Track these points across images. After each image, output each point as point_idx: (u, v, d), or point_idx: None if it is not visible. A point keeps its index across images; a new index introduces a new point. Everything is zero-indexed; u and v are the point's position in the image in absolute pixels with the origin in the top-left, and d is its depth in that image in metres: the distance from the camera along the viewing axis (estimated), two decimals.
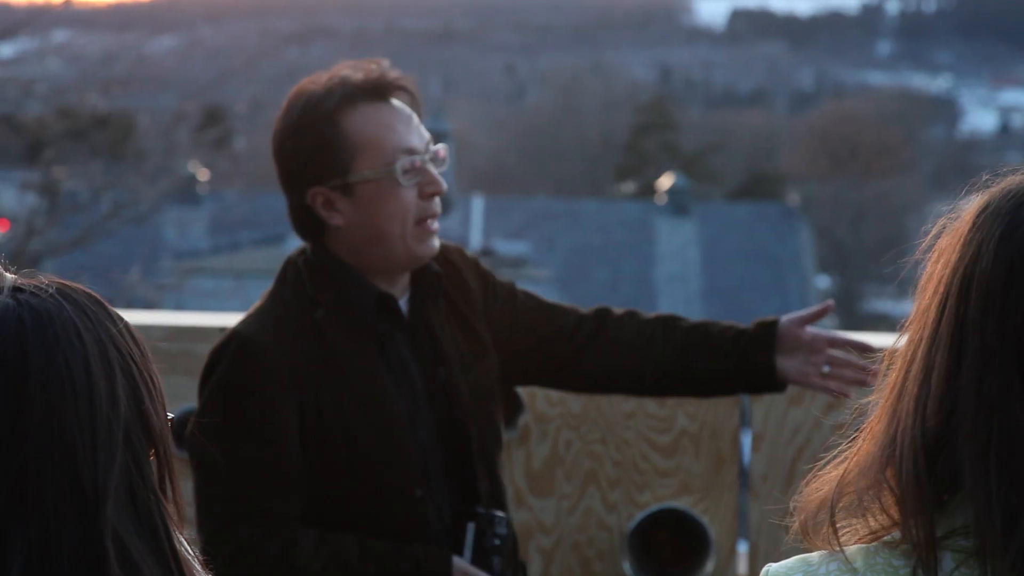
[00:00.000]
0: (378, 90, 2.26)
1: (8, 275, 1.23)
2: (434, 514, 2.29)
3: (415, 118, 2.29)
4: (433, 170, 2.28)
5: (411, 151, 2.26)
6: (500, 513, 2.30)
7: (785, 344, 2.40)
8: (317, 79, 2.27)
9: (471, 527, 2.26)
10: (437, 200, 2.29)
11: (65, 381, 1.17)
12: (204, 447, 2.20)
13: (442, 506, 2.31)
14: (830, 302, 2.48)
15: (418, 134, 2.28)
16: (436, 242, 2.29)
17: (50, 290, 1.20)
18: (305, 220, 2.29)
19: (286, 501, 2.21)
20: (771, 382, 2.42)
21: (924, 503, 1.18)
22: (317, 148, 2.23)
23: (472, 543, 2.26)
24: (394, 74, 2.29)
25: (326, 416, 2.21)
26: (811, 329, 2.41)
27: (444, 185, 2.27)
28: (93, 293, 1.24)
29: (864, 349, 2.40)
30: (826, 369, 2.40)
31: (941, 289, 1.23)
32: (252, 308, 2.30)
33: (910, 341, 1.24)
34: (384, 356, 2.27)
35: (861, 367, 2.38)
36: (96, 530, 1.16)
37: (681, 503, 3.07)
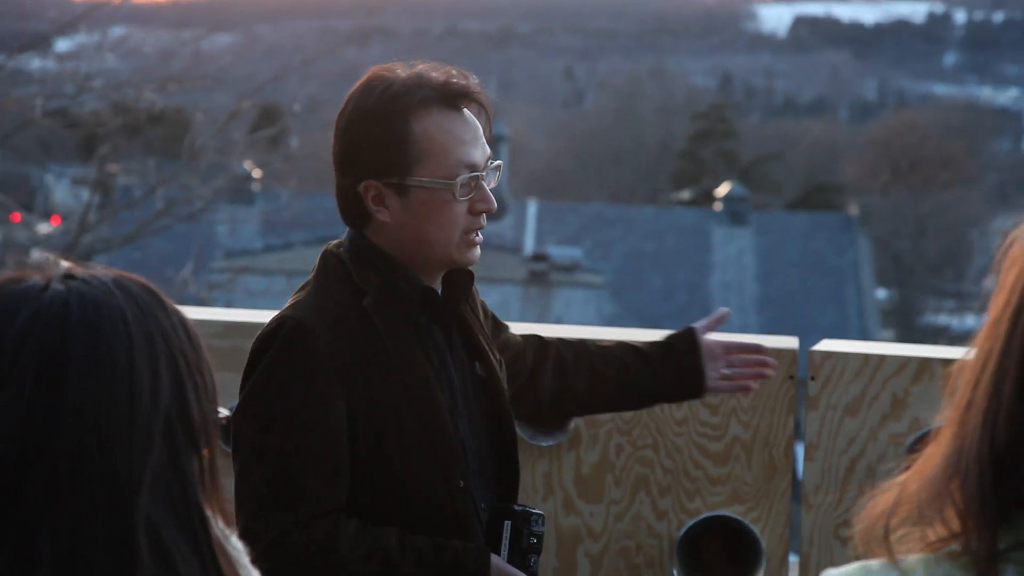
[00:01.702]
0: (455, 98, 2.27)
1: (65, 264, 1.21)
2: (474, 506, 2.29)
3: (481, 132, 2.31)
4: (487, 187, 2.29)
5: (473, 167, 2.27)
6: (536, 511, 2.28)
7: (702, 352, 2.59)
8: (396, 69, 2.28)
9: (508, 525, 2.26)
10: (484, 216, 2.31)
11: (105, 369, 1.16)
12: (250, 432, 2.19)
13: (479, 500, 2.31)
14: (725, 310, 2.66)
15: (482, 149, 2.30)
16: (478, 252, 2.31)
17: (105, 279, 1.20)
18: (352, 206, 2.29)
19: (331, 488, 2.20)
20: (698, 389, 2.58)
21: (988, 516, 1.17)
22: (383, 142, 2.23)
23: (509, 542, 2.25)
24: (473, 85, 2.30)
25: (375, 403, 2.21)
26: (708, 338, 2.58)
27: (494, 204, 2.30)
28: (150, 285, 1.22)
29: (756, 351, 2.60)
30: (726, 371, 2.57)
31: (1014, 300, 1.21)
32: (292, 300, 2.29)
33: (980, 353, 1.23)
34: (424, 349, 2.27)
35: (757, 362, 2.58)
36: (129, 520, 1.15)
37: (732, 511, 3.02)
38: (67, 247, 14.19)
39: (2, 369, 1.15)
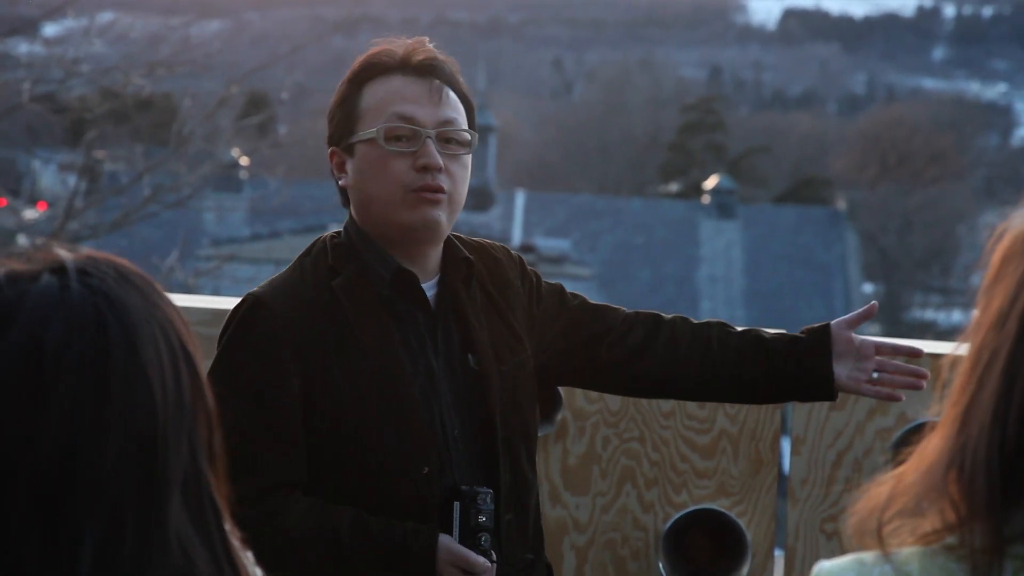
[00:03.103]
0: (413, 68, 2.30)
1: (66, 253, 1.19)
2: (441, 494, 2.26)
3: (442, 97, 2.30)
4: (432, 145, 2.26)
5: (407, 119, 2.27)
6: (484, 489, 2.25)
7: (836, 350, 2.40)
8: (387, 45, 2.35)
9: (456, 506, 2.24)
10: (438, 175, 2.26)
11: (142, 374, 1.16)
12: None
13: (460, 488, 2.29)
14: (874, 303, 2.45)
15: (434, 110, 2.28)
16: (434, 214, 2.26)
17: (111, 272, 1.18)
18: (335, 182, 2.35)
19: (283, 464, 2.20)
20: (827, 390, 2.41)
21: (993, 511, 1.17)
22: (338, 109, 2.32)
23: (459, 522, 2.23)
24: (429, 53, 2.31)
25: (335, 383, 2.21)
26: (858, 336, 2.40)
27: (436, 159, 2.25)
28: (147, 275, 1.21)
29: (913, 354, 2.42)
30: (875, 375, 2.40)
31: (1023, 298, 1.20)
32: (266, 281, 2.31)
33: (982, 349, 1.22)
34: (401, 333, 2.26)
35: (911, 371, 2.39)
36: (163, 522, 1.15)
37: (718, 505, 3.01)
38: (53, 233, 14.14)
39: (44, 384, 1.13)
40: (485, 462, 2.30)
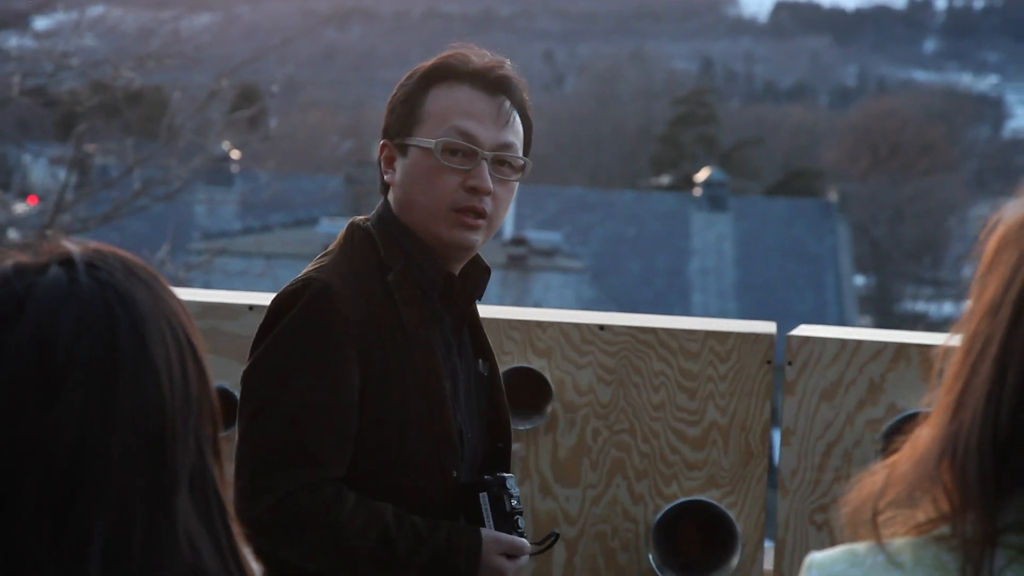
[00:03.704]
0: (486, 82, 2.28)
1: (73, 246, 1.18)
2: (464, 489, 2.28)
3: (505, 120, 2.29)
4: (486, 167, 2.25)
5: (468, 137, 2.25)
6: (508, 475, 2.28)
7: None
8: (464, 51, 2.33)
9: (484, 496, 2.24)
10: (484, 199, 2.25)
11: (150, 370, 1.15)
12: (263, 389, 2.16)
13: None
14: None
15: (495, 132, 2.27)
16: (471, 236, 2.27)
17: (119, 266, 1.18)
18: (379, 171, 2.35)
19: (337, 455, 2.18)
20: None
21: (986, 500, 1.17)
22: (398, 104, 2.30)
23: (491, 510, 2.23)
24: (504, 71, 2.30)
25: (386, 378, 2.20)
26: None
27: (488, 184, 2.24)
28: (152, 269, 1.20)
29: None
30: None
31: (1016, 286, 1.20)
32: (315, 264, 2.26)
33: (975, 337, 1.21)
34: (436, 336, 2.27)
35: None
36: (171, 518, 1.15)
37: (708, 496, 3.00)
38: (44, 227, 14.10)
39: (56, 377, 1.13)
40: (491, 465, 2.33)
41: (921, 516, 1.21)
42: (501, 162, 2.27)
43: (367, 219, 2.32)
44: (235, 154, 16.90)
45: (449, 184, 2.24)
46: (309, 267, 2.26)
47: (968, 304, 1.26)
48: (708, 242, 34.32)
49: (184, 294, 3.23)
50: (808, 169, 40.08)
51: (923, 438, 1.23)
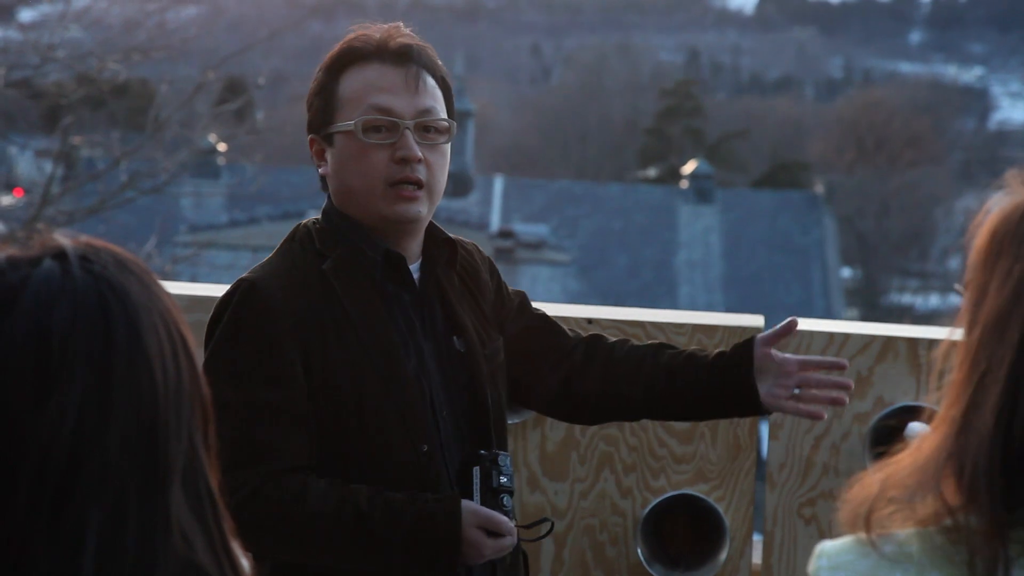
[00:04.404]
0: (390, 54, 2.29)
1: (65, 239, 1.19)
2: (442, 472, 2.27)
3: (422, 85, 2.29)
4: (410, 136, 2.26)
5: (385, 110, 2.26)
6: (503, 452, 2.27)
7: (756, 366, 2.37)
8: (365, 30, 2.35)
9: (476, 470, 2.24)
10: (417, 167, 2.26)
11: (144, 361, 1.16)
12: (214, 391, 2.11)
13: (451, 467, 2.29)
14: (793, 319, 2.41)
15: (411, 99, 2.28)
16: (412, 207, 2.27)
17: (111, 259, 1.18)
18: (318, 171, 2.35)
19: (297, 443, 2.19)
20: (755, 404, 2.38)
21: (996, 515, 1.17)
22: (315, 97, 2.32)
23: (480, 485, 2.23)
24: (406, 39, 2.30)
25: (333, 365, 2.21)
26: (779, 353, 2.38)
27: (415, 151, 2.25)
28: (143, 263, 1.20)
29: (836, 367, 2.39)
30: (796, 391, 2.37)
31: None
32: (257, 264, 2.30)
33: (981, 349, 1.21)
34: (391, 315, 2.27)
35: (835, 384, 2.36)
36: (165, 509, 1.15)
37: (696, 490, 3.01)
38: (30, 220, 14.05)
39: (51, 369, 1.13)
40: (473, 442, 2.31)
41: (922, 511, 1.21)
42: (425, 128, 2.27)
43: (314, 219, 2.35)
44: (222, 147, 16.86)
45: (378, 160, 2.25)
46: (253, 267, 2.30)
47: (964, 303, 1.24)
48: (695, 235, 34.35)
49: (171, 287, 3.23)
50: (795, 161, 40.12)
51: (926, 449, 1.23)
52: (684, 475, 3.02)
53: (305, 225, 2.33)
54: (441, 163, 2.30)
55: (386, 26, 2.34)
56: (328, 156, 2.30)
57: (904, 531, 1.22)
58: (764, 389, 2.35)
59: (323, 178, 2.34)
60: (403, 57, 2.29)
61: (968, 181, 40.31)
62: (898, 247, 37.62)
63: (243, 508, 2.13)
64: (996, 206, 1.24)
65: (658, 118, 40.50)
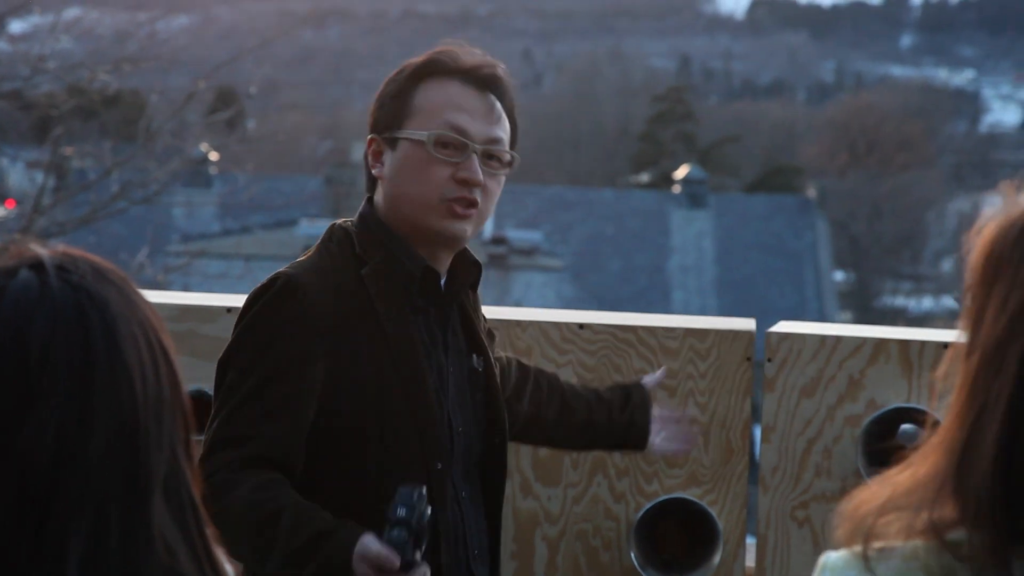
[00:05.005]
0: (476, 79, 2.32)
1: (41, 249, 1.18)
2: (453, 491, 2.27)
3: (498, 116, 2.33)
4: (476, 160, 2.29)
5: (460, 130, 2.29)
6: (420, 488, 2.07)
7: None
8: (452, 50, 2.36)
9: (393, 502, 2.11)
10: (475, 190, 2.29)
11: (124, 372, 1.15)
12: (228, 378, 2.19)
13: (459, 487, 2.30)
14: (664, 368, 2.85)
15: (485, 126, 2.32)
16: (462, 227, 2.30)
17: (89, 269, 1.17)
18: (366, 167, 2.37)
19: (281, 441, 2.17)
20: (643, 442, 2.71)
21: (999, 521, 1.17)
22: (388, 99, 2.32)
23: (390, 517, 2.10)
24: (497, 70, 2.34)
25: (360, 369, 2.21)
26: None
27: (478, 176, 2.28)
28: (122, 272, 1.20)
29: (687, 420, 2.82)
30: (661, 436, 2.73)
31: (1020, 339, 1.18)
32: (295, 261, 2.31)
33: (977, 379, 1.20)
34: (417, 328, 2.28)
35: (689, 433, 2.81)
36: (147, 520, 1.15)
37: (689, 494, 3.00)
38: (21, 231, 14.03)
39: (29, 382, 1.12)
40: (484, 463, 2.33)
41: (922, 525, 1.20)
42: (490, 156, 2.31)
43: (349, 220, 2.35)
44: (213, 156, 16.84)
45: (440, 175, 2.27)
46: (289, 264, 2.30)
47: (963, 320, 1.24)
48: (688, 239, 34.36)
49: (162, 297, 3.22)
50: (787, 166, 40.16)
51: (925, 468, 1.22)
52: (677, 479, 3.01)
53: (342, 226, 2.33)
54: (495, 193, 2.34)
55: (478, 51, 2.37)
56: (386, 159, 2.31)
57: (909, 545, 1.21)
58: None
59: (372, 180, 2.34)
60: (489, 85, 2.32)
61: (960, 184, 40.38)
62: (890, 250, 37.67)
63: (205, 491, 2.10)
64: (991, 217, 1.22)
65: (650, 123, 40.53)
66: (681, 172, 35.74)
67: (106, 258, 1.22)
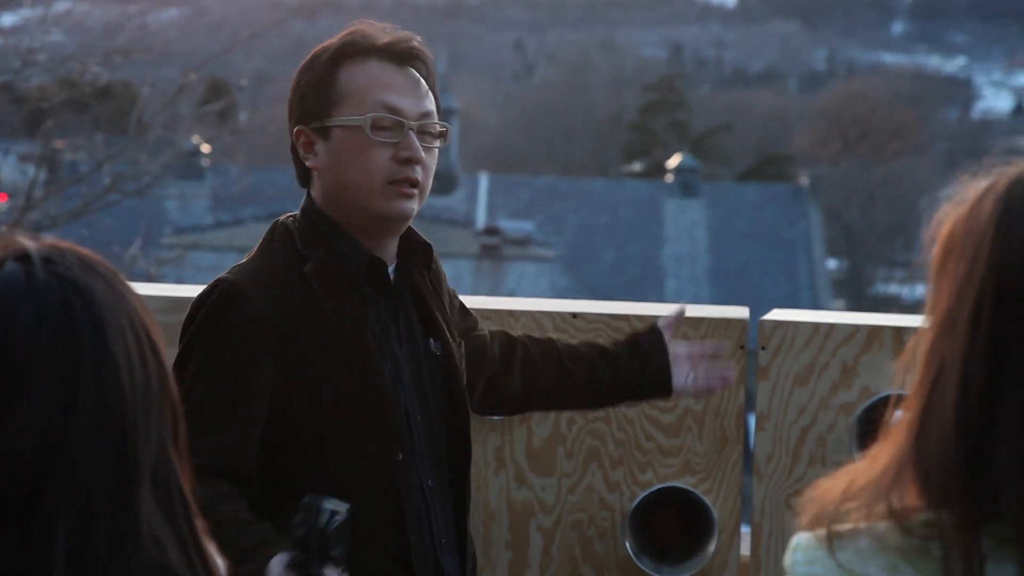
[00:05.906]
0: (395, 55, 2.29)
1: (29, 241, 1.17)
2: (418, 481, 2.26)
3: (421, 90, 2.31)
4: (414, 138, 2.27)
5: (394, 111, 2.26)
6: (328, 506, 2.01)
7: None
8: (363, 29, 2.34)
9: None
10: (416, 168, 2.28)
11: (111, 364, 1.15)
12: (178, 389, 2.11)
13: (424, 475, 2.29)
14: (681, 306, 2.66)
15: (416, 102, 2.29)
16: (409, 206, 2.28)
17: (75, 261, 1.17)
18: (296, 161, 2.32)
19: (226, 448, 2.15)
20: (666, 387, 2.58)
21: (964, 497, 1.18)
22: (310, 88, 2.28)
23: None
24: (413, 43, 2.31)
25: (310, 369, 2.20)
26: (674, 342, 2.60)
27: (419, 153, 2.26)
28: (110, 264, 1.20)
29: (716, 354, 2.63)
30: (691, 377, 2.59)
31: (971, 296, 1.20)
32: (234, 265, 2.28)
33: (933, 346, 1.22)
34: (367, 320, 2.26)
35: (721, 368, 2.63)
36: (134, 513, 1.15)
37: (684, 483, 3.00)
38: (13, 224, 14.00)
39: (15, 374, 1.12)
40: (448, 449, 2.31)
41: (889, 508, 1.20)
42: (423, 131, 2.29)
43: (292, 215, 2.32)
44: (205, 148, 16.80)
45: (381, 158, 2.25)
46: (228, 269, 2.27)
47: (926, 306, 1.25)
48: (681, 229, 34.36)
49: (154, 289, 3.21)
50: (779, 154, 40.16)
51: (883, 456, 1.23)
52: (671, 468, 3.01)
53: (283, 223, 2.30)
54: (432, 166, 2.32)
55: (388, 26, 2.34)
56: (319, 149, 2.28)
57: (881, 525, 1.21)
58: None
59: (304, 172, 2.31)
60: (409, 59, 2.30)
61: (952, 171, 40.31)
62: (884, 238, 37.70)
63: None
64: (948, 211, 1.26)
65: (642, 113, 40.51)
66: (673, 161, 35.73)
67: (98, 251, 1.22)
